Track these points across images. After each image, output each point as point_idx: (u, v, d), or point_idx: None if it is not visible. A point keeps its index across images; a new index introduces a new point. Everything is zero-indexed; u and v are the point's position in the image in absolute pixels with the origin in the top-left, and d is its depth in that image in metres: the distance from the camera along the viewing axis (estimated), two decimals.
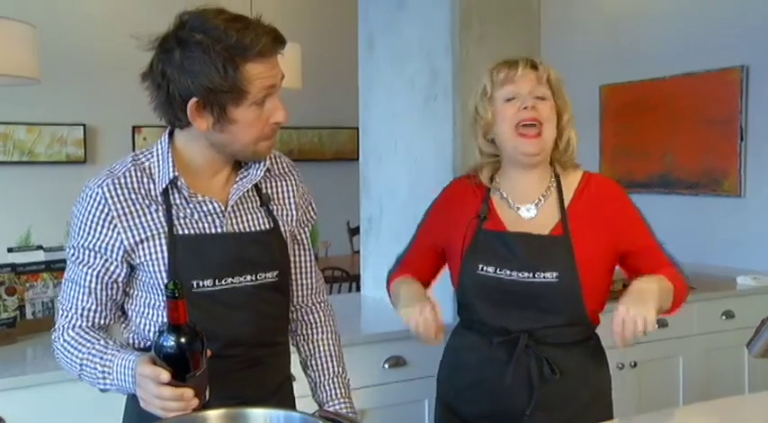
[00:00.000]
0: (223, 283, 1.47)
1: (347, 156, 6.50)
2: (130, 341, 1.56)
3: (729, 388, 3.17)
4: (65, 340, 1.51)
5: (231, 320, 1.49)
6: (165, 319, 1.28)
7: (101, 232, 1.46)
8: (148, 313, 1.52)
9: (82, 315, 1.51)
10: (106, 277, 1.49)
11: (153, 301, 1.51)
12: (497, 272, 1.73)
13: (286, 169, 1.64)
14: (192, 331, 1.28)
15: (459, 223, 1.82)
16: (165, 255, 1.46)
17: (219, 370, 1.46)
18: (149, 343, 1.50)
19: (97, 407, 2.15)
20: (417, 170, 2.91)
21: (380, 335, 2.66)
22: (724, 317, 3.22)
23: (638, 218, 1.81)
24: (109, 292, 1.51)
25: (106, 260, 1.48)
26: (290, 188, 1.62)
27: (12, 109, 5.56)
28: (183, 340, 1.27)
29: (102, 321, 1.52)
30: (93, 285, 1.49)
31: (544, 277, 1.70)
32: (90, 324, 1.51)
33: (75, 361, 1.49)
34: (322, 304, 1.72)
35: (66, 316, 1.52)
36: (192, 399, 1.29)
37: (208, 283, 1.46)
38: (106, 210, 1.45)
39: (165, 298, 1.29)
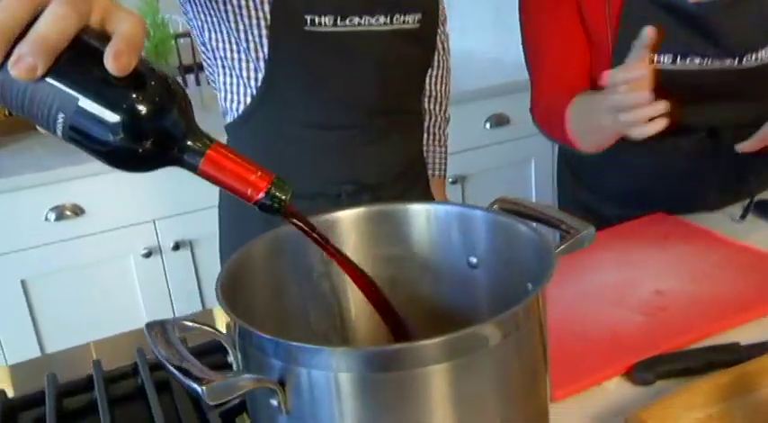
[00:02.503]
0: (347, 22, 1.09)
1: None
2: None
3: None
4: None
5: (352, 76, 1.13)
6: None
7: None
8: (232, 83, 1.16)
9: None
10: None
11: (234, 62, 1.14)
12: (678, 61, 1.12)
13: None
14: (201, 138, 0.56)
15: None
16: None
17: (331, 144, 1.17)
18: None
19: (185, 190, 1.99)
20: None
21: (480, 91, 2.40)
22: None
23: None
24: None
25: None
26: None
27: None
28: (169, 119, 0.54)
29: None
30: None
31: (755, 59, 1.12)
32: None
33: None
34: (441, 28, 1.38)
35: None
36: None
37: (327, 20, 1.07)
38: None
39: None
